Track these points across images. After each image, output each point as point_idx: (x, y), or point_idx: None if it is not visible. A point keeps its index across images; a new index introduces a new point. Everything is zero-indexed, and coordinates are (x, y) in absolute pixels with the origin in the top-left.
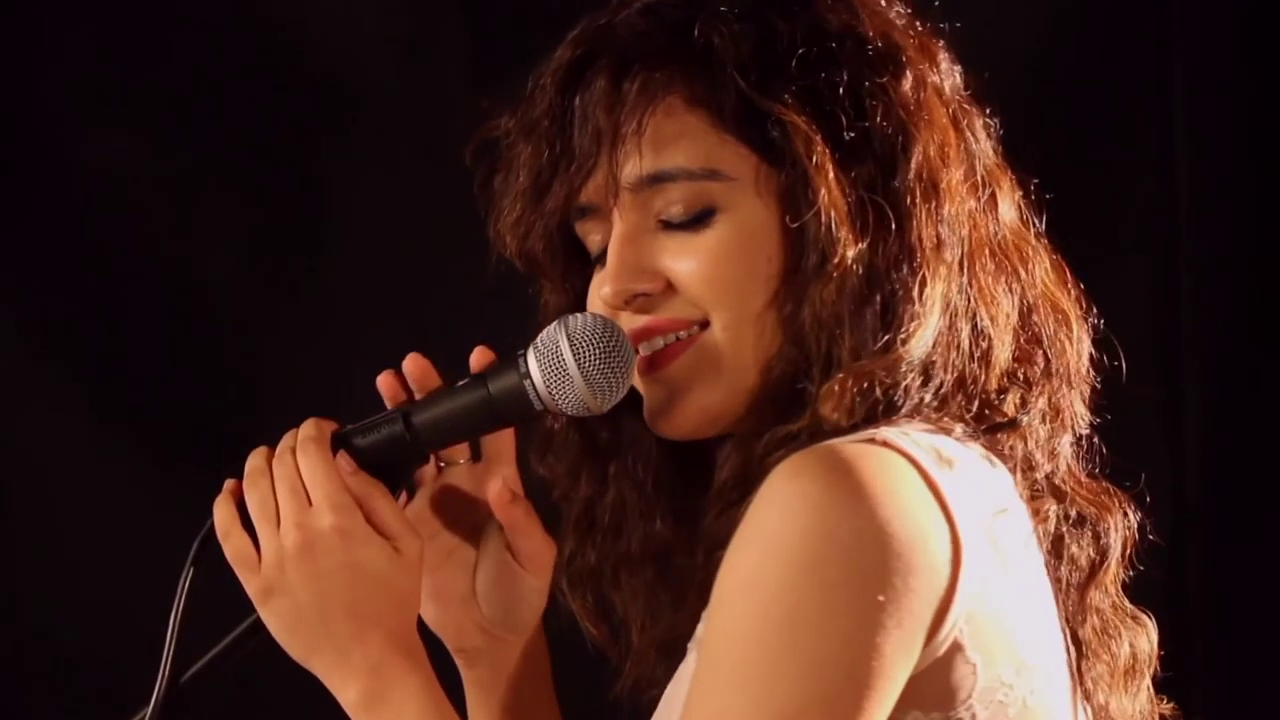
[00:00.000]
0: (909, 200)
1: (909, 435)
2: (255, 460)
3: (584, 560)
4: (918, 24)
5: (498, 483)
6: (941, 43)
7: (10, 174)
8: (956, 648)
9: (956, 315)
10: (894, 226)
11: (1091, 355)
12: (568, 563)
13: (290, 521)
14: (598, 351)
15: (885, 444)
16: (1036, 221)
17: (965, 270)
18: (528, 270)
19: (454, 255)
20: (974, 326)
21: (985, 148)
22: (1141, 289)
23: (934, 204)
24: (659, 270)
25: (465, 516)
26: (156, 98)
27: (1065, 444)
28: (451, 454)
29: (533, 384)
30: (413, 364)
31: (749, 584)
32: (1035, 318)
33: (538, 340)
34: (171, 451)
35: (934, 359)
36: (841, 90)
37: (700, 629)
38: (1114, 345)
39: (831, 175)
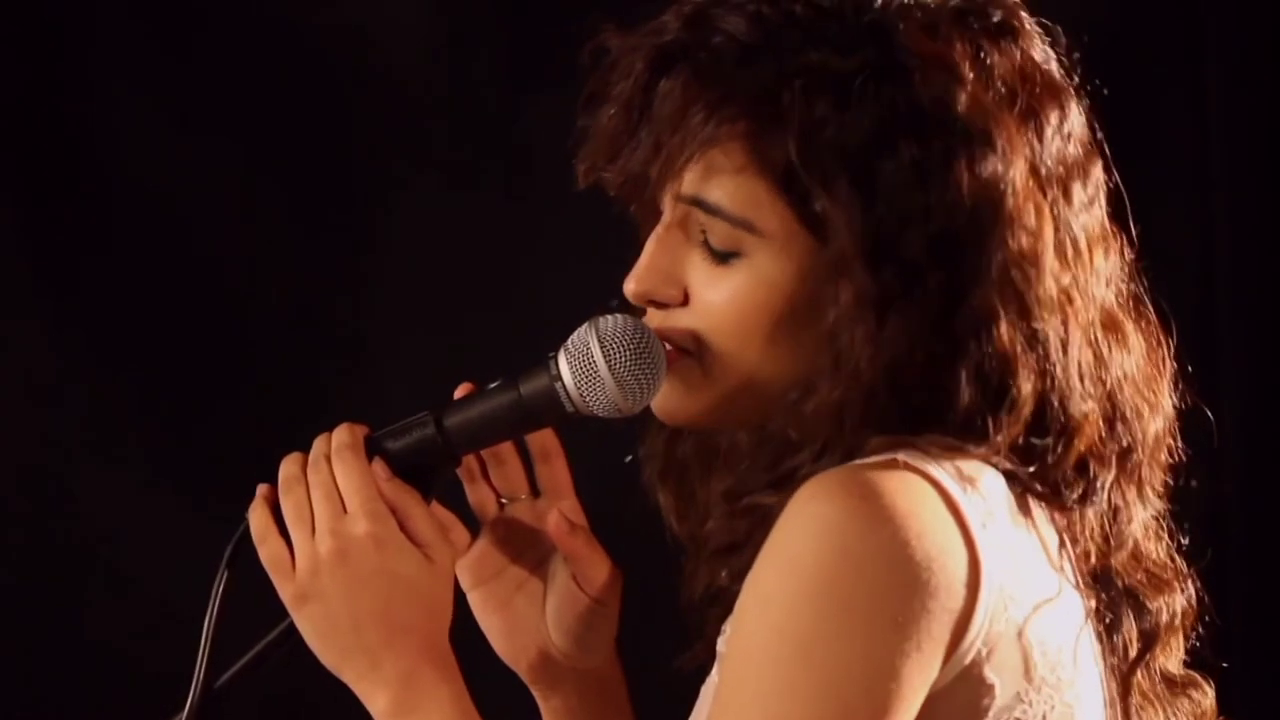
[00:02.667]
0: (972, 292)
1: (930, 454)
2: (290, 466)
3: (678, 452)
4: (1046, 67)
5: (555, 514)
6: (1067, 86)
7: (53, 188)
8: (974, 667)
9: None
10: (937, 317)
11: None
12: (663, 454)
13: (325, 528)
14: (629, 353)
15: (906, 466)
16: (1139, 286)
17: (1047, 351)
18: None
19: (491, 266)
20: (1052, 406)
21: (1091, 215)
22: (1176, 300)
23: (1005, 292)
24: (683, 283)
25: (530, 550)
26: (197, 107)
27: (1135, 527)
28: (512, 490)
29: (563, 385)
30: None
31: (767, 603)
32: (1121, 397)
33: (568, 342)
34: (211, 457)
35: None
36: (904, 178)
37: (721, 643)
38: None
39: (860, 269)
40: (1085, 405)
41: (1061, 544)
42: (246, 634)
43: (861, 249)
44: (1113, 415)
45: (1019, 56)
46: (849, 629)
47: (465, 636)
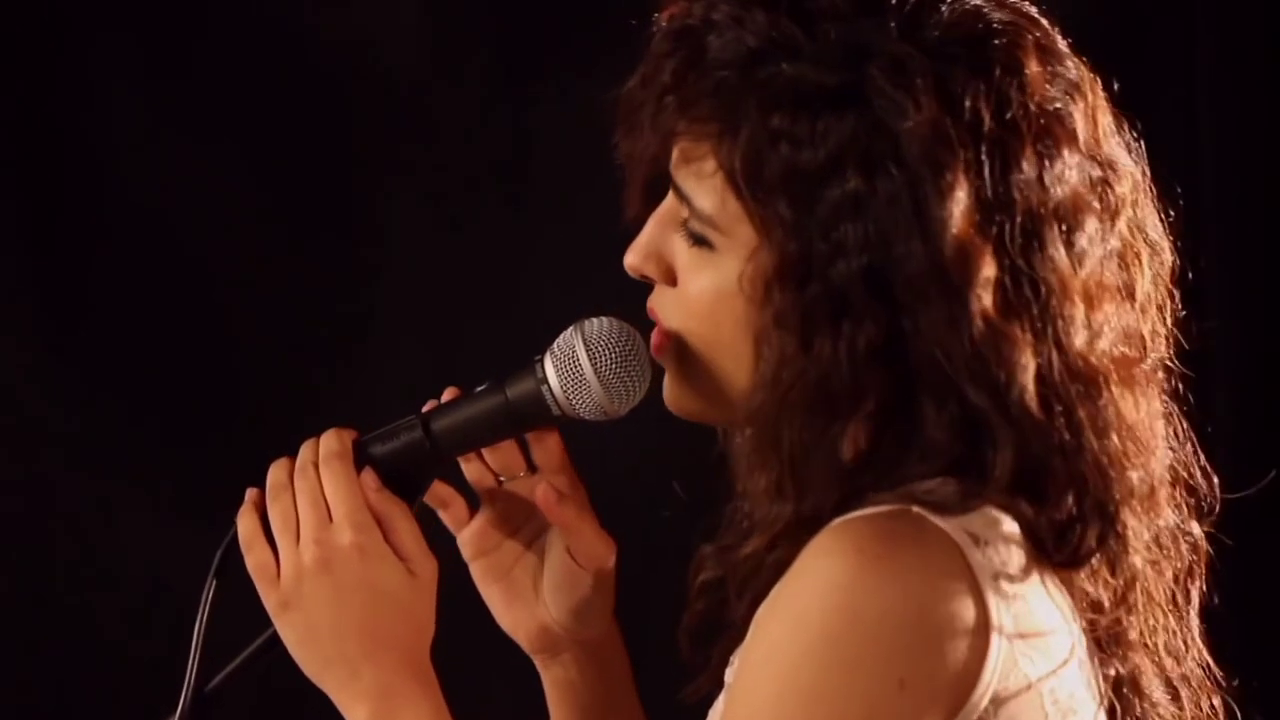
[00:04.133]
0: (913, 332)
1: (944, 505)
2: (278, 473)
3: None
4: (1040, 104)
5: (544, 486)
6: (1070, 123)
7: (45, 195)
8: None
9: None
10: (881, 351)
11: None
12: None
13: (310, 537)
14: (614, 356)
15: (919, 519)
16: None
17: (999, 396)
18: None
19: (486, 270)
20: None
21: (1072, 260)
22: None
23: (942, 336)
24: (670, 264)
25: (528, 523)
26: (192, 110)
27: (1136, 561)
28: (509, 469)
29: (550, 389)
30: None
31: (773, 654)
32: (1100, 444)
33: (554, 345)
34: (204, 460)
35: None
36: (844, 207)
37: (729, 674)
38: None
39: (784, 287)
40: (1051, 453)
41: (1073, 594)
42: (243, 635)
43: (788, 268)
44: (1088, 460)
45: (1005, 94)
46: (851, 687)
47: (464, 636)
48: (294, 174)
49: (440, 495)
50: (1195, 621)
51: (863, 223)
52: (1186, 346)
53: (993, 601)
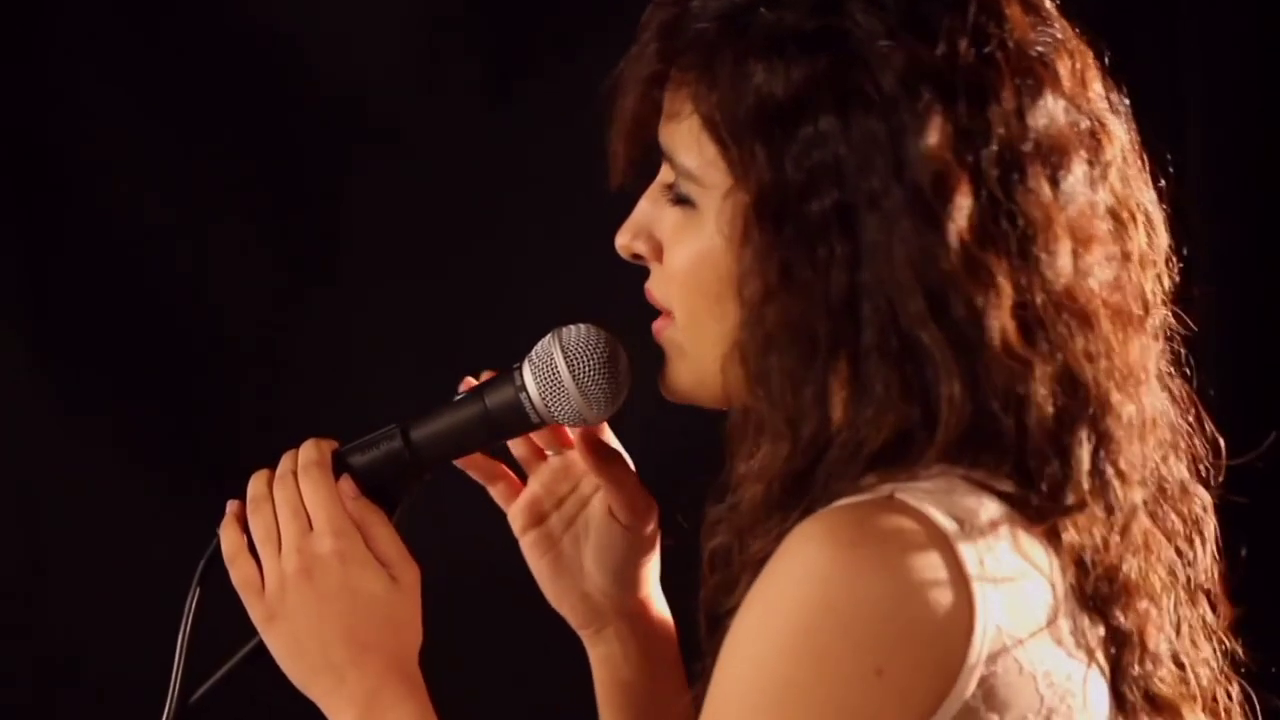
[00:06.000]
0: (874, 270)
1: (924, 488)
2: (258, 485)
3: None
4: (1021, 44)
5: (585, 440)
6: (1053, 64)
7: (25, 205)
8: (967, 711)
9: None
10: (844, 290)
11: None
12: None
13: (291, 546)
14: (592, 362)
15: (902, 504)
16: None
17: (965, 336)
18: None
19: (471, 276)
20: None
21: (1055, 198)
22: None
23: (909, 273)
24: (658, 240)
25: (573, 494)
26: (168, 113)
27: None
28: (556, 441)
29: (528, 397)
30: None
31: (748, 643)
32: (1083, 378)
33: (532, 353)
34: (186, 472)
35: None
36: (818, 146)
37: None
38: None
39: (760, 225)
40: (1024, 388)
41: (1063, 565)
42: (225, 644)
43: (764, 205)
44: (1072, 402)
45: (983, 30)
46: (825, 679)
47: (455, 644)
48: (274, 172)
49: (489, 470)
50: (1204, 594)
51: (836, 157)
52: (1189, 321)
53: (977, 584)
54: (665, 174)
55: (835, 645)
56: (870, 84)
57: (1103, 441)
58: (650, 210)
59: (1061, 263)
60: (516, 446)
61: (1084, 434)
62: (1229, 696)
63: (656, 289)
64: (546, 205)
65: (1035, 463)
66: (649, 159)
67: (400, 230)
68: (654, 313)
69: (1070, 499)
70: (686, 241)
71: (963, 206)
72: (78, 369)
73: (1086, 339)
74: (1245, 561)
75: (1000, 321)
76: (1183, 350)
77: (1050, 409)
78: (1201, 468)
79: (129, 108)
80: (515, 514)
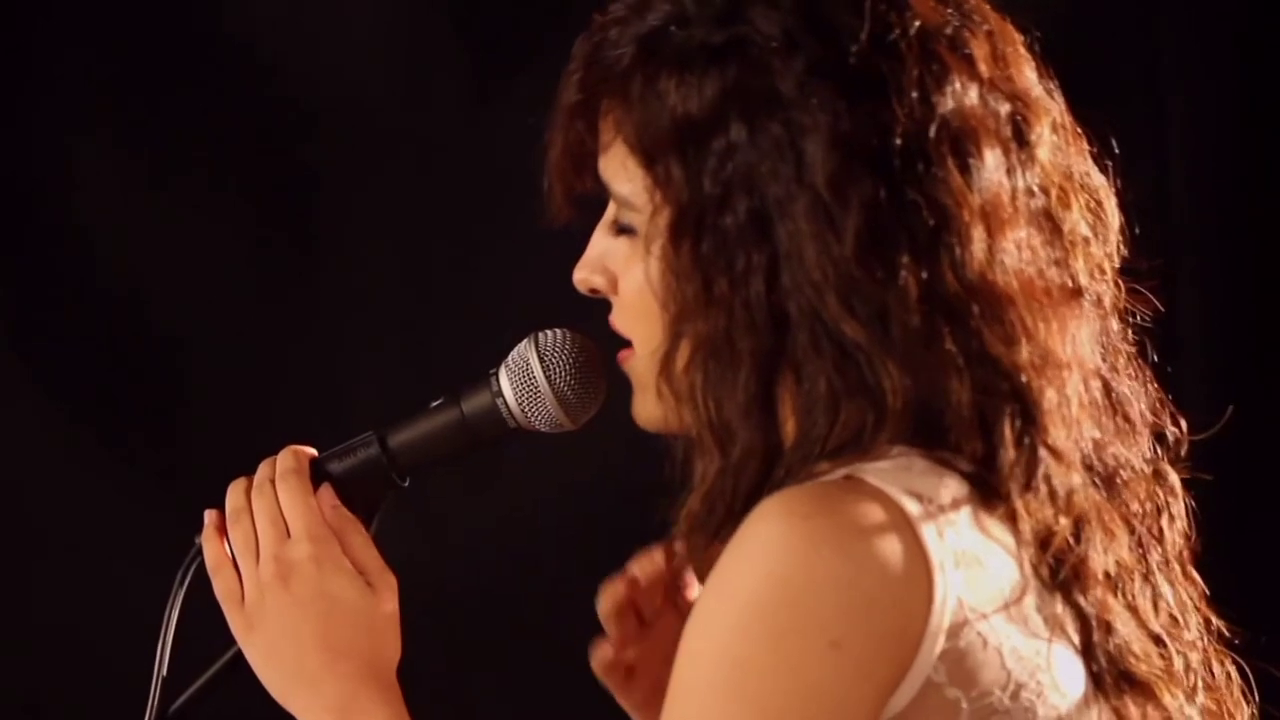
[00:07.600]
0: (788, 270)
1: (883, 468)
2: (236, 495)
3: None
4: (930, 30)
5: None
6: (966, 49)
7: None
8: (931, 686)
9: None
10: (764, 292)
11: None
12: None
13: (269, 553)
14: (568, 367)
15: (859, 481)
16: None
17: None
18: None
19: (453, 273)
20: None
21: (991, 178)
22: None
23: (814, 270)
24: (611, 272)
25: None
26: (147, 118)
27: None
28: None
29: (505, 402)
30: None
31: (707, 626)
32: (1004, 365)
33: (509, 358)
34: (163, 476)
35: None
36: (730, 156)
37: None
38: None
39: (679, 242)
40: (942, 375)
41: (1021, 541)
42: (211, 653)
43: (683, 222)
44: (992, 387)
45: (882, 19)
46: (783, 657)
47: (436, 652)
48: (257, 181)
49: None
50: (1181, 572)
51: (748, 166)
52: (1155, 301)
53: (937, 559)
54: (612, 205)
55: (790, 620)
56: (773, 89)
57: (1028, 424)
58: (601, 243)
59: (974, 249)
60: (608, 620)
61: (1007, 417)
62: (1227, 676)
63: (617, 321)
64: (528, 209)
65: (969, 446)
66: (592, 192)
67: (382, 234)
68: None
69: (1009, 481)
70: (633, 270)
71: (858, 204)
72: (57, 374)
73: (1003, 324)
74: (1226, 538)
75: (905, 315)
76: (1150, 329)
77: (968, 395)
78: (1168, 447)
79: (108, 109)
80: (605, 674)
